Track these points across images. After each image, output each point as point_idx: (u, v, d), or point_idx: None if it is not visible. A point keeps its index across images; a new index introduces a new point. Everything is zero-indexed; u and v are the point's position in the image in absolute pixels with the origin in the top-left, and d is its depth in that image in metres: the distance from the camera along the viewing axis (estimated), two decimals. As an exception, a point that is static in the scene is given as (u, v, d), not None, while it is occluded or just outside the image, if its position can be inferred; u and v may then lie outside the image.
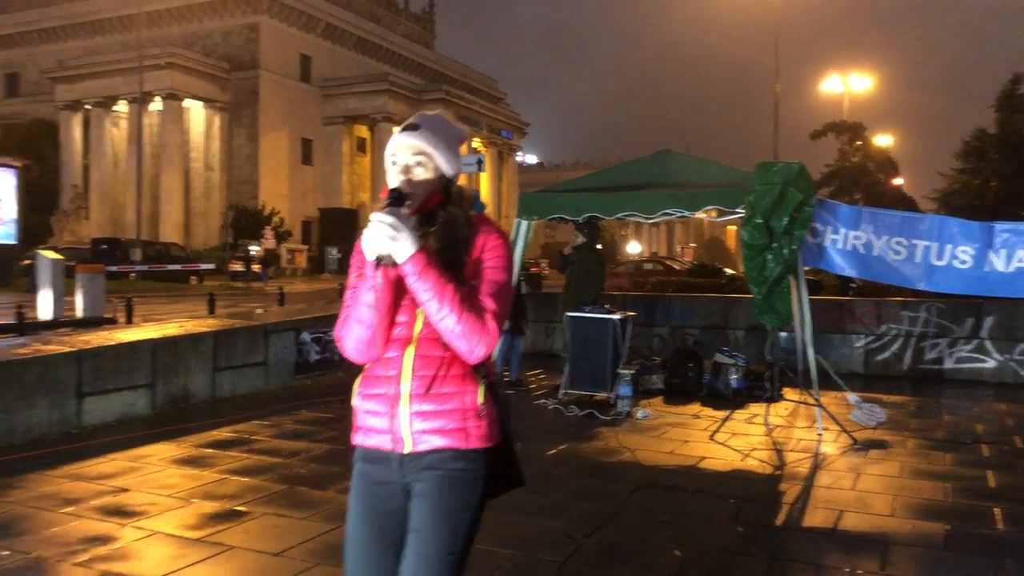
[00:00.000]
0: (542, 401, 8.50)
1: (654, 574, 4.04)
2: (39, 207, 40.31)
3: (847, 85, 38.20)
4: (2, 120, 56.89)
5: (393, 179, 2.17)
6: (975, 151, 26.08)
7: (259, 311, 13.80)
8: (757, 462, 6.25)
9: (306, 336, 9.56)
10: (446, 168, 2.18)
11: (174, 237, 44.62)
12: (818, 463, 6.26)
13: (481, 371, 2.16)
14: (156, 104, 47.33)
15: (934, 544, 4.48)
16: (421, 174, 2.15)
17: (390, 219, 2.01)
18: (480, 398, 2.14)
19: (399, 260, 2.03)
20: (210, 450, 6.32)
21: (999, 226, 6.94)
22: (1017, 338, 10.21)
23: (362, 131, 55.66)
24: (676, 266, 32.18)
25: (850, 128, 32.54)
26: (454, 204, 2.19)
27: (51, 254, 15.61)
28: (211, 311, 15.42)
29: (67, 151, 50.84)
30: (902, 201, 28.21)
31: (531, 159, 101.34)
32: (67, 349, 6.94)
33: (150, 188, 46.29)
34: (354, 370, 2.26)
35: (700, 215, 8.43)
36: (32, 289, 18.51)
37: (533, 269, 27.03)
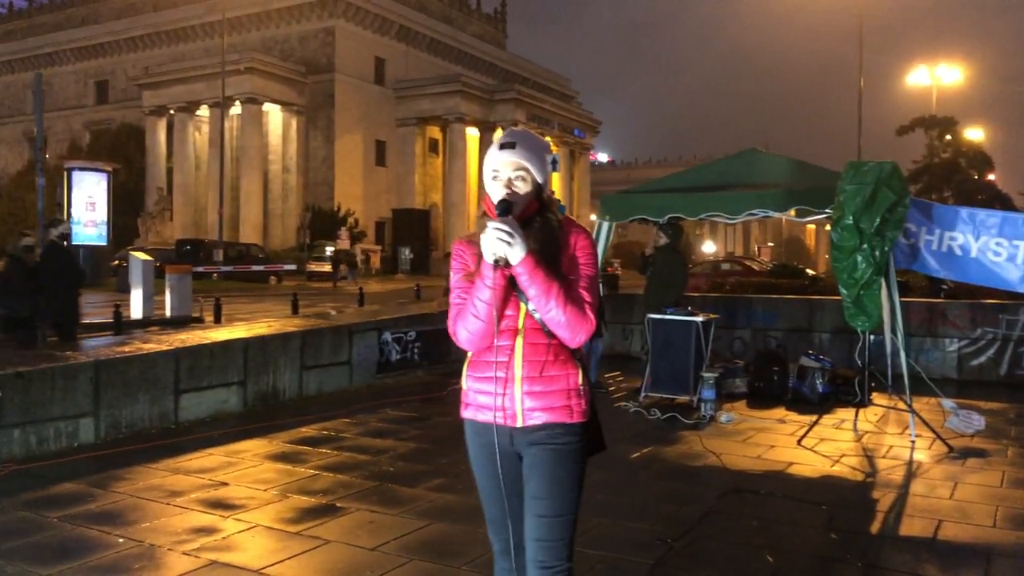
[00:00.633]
0: (623, 404, 8.47)
1: (749, 580, 4.00)
2: (126, 209, 41.91)
3: (935, 77, 36.72)
4: (92, 126, 59.51)
5: (496, 191, 2.45)
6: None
7: (332, 312, 14.09)
8: (847, 468, 6.11)
9: (387, 336, 9.73)
10: (539, 178, 2.48)
11: (253, 238, 45.90)
12: (912, 471, 6.09)
13: (577, 355, 2.50)
14: (236, 108, 48.72)
15: (1041, 557, 4.33)
16: (521, 186, 2.45)
17: (506, 226, 2.31)
18: (580, 379, 2.49)
19: (513, 262, 2.32)
20: (301, 447, 6.50)
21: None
22: (1122, 343, 9.73)
23: (434, 132, 56.28)
24: (755, 266, 31.56)
25: (939, 123, 31.45)
26: (547, 209, 2.50)
27: (142, 255, 16.27)
28: (295, 311, 15.81)
29: (152, 155, 52.80)
30: (997, 198, 27.13)
31: (602, 157, 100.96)
32: (166, 347, 7.23)
33: (230, 190, 47.65)
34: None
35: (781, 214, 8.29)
36: (123, 288, 19.33)
37: (609, 269, 26.88)
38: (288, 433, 6.94)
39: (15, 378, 5.90)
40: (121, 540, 4.33)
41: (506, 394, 2.45)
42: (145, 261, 15.60)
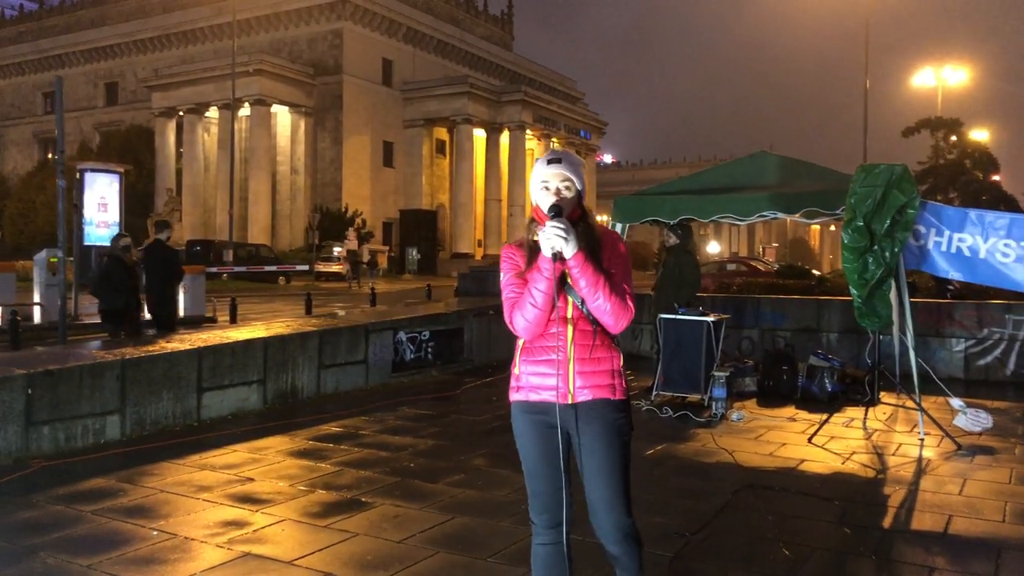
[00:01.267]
0: (635, 402, 8.58)
1: (766, 571, 4.12)
2: (135, 210, 42.09)
3: (941, 79, 36.84)
4: (102, 127, 59.88)
5: (545, 199, 2.85)
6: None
7: (340, 312, 14.23)
8: (858, 465, 6.23)
9: (402, 335, 9.87)
10: (580, 188, 2.90)
11: (261, 239, 46.14)
12: (921, 468, 6.21)
13: (616, 342, 2.90)
14: (245, 110, 48.97)
15: (1050, 551, 4.44)
16: (567, 194, 2.86)
17: (563, 225, 2.69)
18: (621, 363, 2.92)
19: (568, 255, 2.70)
20: (322, 443, 6.64)
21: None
22: None
23: (441, 133, 56.47)
24: (760, 267, 31.62)
25: (945, 124, 31.48)
26: (588, 215, 2.92)
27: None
28: (308, 311, 15.97)
29: (162, 156, 53.10)
30: (1002, 199, 27.16)
31: (608, 158, 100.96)
32: (188, 347, 7.38)
33: (239, 191, 47.79)
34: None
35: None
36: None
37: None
38: (308, 430, 7.08)
39: (45, 376, 6.06)
40: (155, 533, 4.48)
41: (561, 374, 2.81)
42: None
